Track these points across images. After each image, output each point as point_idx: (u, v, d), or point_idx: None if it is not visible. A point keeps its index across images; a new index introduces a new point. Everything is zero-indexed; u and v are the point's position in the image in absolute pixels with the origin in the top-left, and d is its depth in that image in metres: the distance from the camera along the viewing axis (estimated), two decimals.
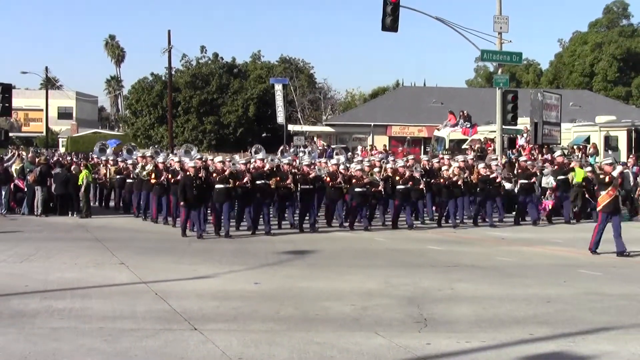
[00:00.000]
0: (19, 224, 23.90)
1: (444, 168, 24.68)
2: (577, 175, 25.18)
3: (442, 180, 24.13)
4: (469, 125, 38.70)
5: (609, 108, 53.50)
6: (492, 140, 32.62)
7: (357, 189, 22.55)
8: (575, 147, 33.03)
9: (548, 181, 25.78)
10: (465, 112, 40.24)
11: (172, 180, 22.89)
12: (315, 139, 55.46)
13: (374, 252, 18.39)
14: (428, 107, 58.66)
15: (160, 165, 24.18)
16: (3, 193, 26.52)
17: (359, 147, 46.23)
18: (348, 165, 25.11)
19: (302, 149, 38.84)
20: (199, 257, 17.05)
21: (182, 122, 66.51)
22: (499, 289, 13.71)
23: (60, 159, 35.26)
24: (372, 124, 57.63)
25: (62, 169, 26.88)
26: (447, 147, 38.60)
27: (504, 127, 29.85)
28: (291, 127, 58.08)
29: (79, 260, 16.33)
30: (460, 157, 26.72)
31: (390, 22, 27.08)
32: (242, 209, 22.68)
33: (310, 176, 22.81)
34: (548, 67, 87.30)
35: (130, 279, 14.21)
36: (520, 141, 33.29)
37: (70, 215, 25.86)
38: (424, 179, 23.85)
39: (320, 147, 43.67)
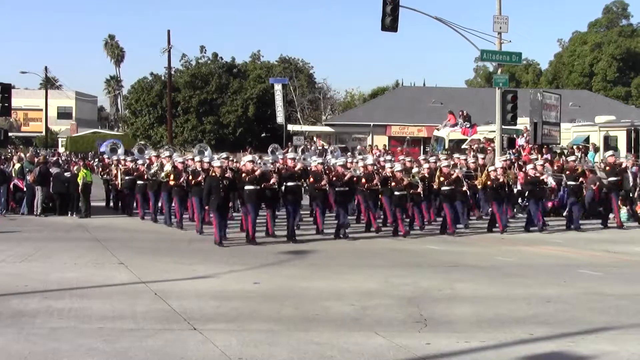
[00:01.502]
0: (18, 223, 23.88)
1: (490, 168, 22.96)
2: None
3: (489, 182, 22.41)
4: (468, 125, 38.70)
5: (609, 108, 53.46)
6: (492, 140, 32.60)
7: (396, 192, 21.19)
8: (575, 147, 33.01)
9: (550, 181, 25.25)
10: (464, 112, 40.24)
11: (193, 182, 21.57)
12: (314, 139, 55.43)
13: (375, 252, 18.39)
14: (427, 107, 58.62)
15: (180, 166, 23.13)
16: (1, 193, 26.45)
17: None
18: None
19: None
20: (198, 257, 17.05)
21: (181, 122, 66.53)
22: (498, 288, 13.71)
23: (63, 158, 34.60)
24: (372, 124, 57.58)
25: (61, 168, 26.84)
26: (446, 147, 38.59)
27: (503, 127, 29.81)
28: (291, 127, 58.09)
29: (78, 260, 16.33)
30: (502, 157, 26.46)
31: (390, 22, 27.06)
32: (273, 211, 21.36)
33: (346, 177, 20.96)
34: (547, 67, 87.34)
35: (129, 279, 14.20)
36: (520, 141, 33.28)
37: (69, 215, 25.83)
38: (467, 181, 22.34)
39: (319, 147, 43.64)
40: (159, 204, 24.81)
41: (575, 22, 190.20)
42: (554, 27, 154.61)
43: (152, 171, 24.24)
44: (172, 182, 22.59)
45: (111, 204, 29.19)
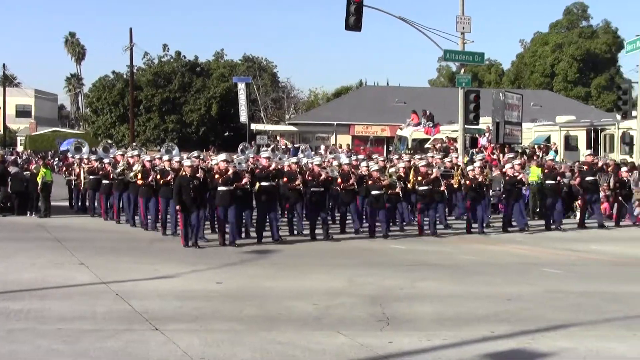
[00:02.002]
0: None
1: (468, 168, 22.81)
2: (532, 174, 25.09)
3: (467, 181, 22.12)
4: (431, 125, 38.87)
5: (569, 108, 54.04)
6: (455, 140, 32.78)
7: (373, 192, 20.61)
8: (536, 146, 33.31)
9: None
10: (428, 111, 40.42)
11: (162, 182, 20.85)
12: (278, 138, 55.38)
13: (338, 251, 18.40)
14: (391, 107, 58.83)
15: (148, 165, 22.19)
16: None
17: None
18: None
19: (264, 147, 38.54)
20: (160, 257, 16.91)
21: (143, 121, 66.13)
22: (461, 287, 13.78)
23: (23, 157, 33.69)
24: (335, 123, 57.64)
25: (20, 168, 26.48)
26: (409, 146, 38.73)
27: (466, 126, 29.99)
28: (254, 126, 58.00)
29: (37, 261, 16.10)
30: (479, 156, 26.20)
31: (354, 22, 27.08)
32: (242, 214, 20.25)
33: (322, 177, 20.46)
34: (510, 67, 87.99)
35: (90, 280, 14.04)
36: (482, 141, 33.50)
37: (28, 215, 25.48)
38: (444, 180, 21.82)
39: (283, 146, 43.58)
40: (123, 205, 23.91)
41: (536, 23, 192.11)
42: (516, 27, 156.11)
43: (119, 170, 23.46)
44: (140, 182, 21.86)
45: (77, 203, 28.14)
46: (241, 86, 59.36)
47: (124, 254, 17.57)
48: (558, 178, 23.29)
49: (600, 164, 24.72)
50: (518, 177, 22.54)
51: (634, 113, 30.23)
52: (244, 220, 20.59)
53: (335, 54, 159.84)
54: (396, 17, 29.38)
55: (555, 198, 23.08)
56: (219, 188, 18.75)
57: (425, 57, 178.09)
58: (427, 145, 36.36)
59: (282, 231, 20.64)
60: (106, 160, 25.27)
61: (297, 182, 20.19)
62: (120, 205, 24.05)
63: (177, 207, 18.64)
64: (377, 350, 9.32)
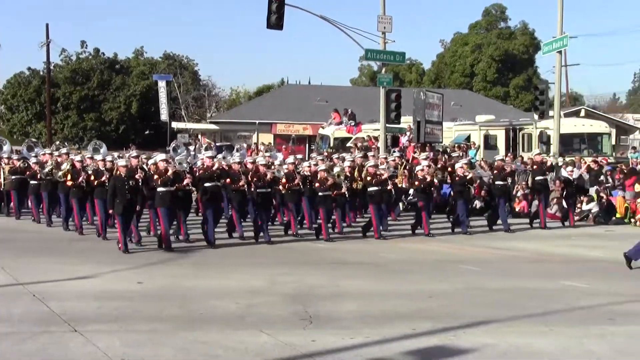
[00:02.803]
0: None
1: (417, 168, 22.12)
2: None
3: (417, 182, 21.56)
4: (353, 124, 39.08)
5: (489, 107, 55.01)
6: (376, 139, 33.02)
7: (320, 193, 20.10)
8: (456, 145, 33.77)
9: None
10: (349, 110, 40.62)
11: (96, 182, 19.75)
12: (199, 136, 54.95)
13: (260, 250, 18.32)
14: (313, 106, 58.90)
15: (78, 165, 21.09)
16: None
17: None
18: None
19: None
20: (80, 257, 16.58)
21: (61, 119, 65.04)
22: (383, 285, 13.88)
23: None
24: (257, 121, 57.43)
25: None
26: (331, 145, 38.86)
27: (387, 125, 30.26)
28: (175, 125, 57.47)
29: None
30: (422, 155, 25.96)
31: (275, 20, 27.04)
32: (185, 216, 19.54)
33: (267, 177, 19.62)
34: (430, 67, 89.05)
35: (6, 281, 13.66)
36: (403, 139, 33.81)
37: None
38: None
39: (204, 145, 43.24)
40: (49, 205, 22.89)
41: (456, 23, 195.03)
42: (436, 28, 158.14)
43: (47, 170, 22.35)
44: (69, 182, 20.70)
45: None
46: (162, 84, 58.79)
47: (42, 254, 17.18)
48: (509, 179, 23.09)
49: (549, 163, 24.45)
50: (468, 177, 22.15)
51: (550, 113, 30.89)
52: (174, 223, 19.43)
53: (257, 53, 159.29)
54: (318, 16, 29.46)
55: (504, 199, 22.80)
56: (158, 189, 17.87)
57: (346, 57, 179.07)
58: (348, 144, 36.52)
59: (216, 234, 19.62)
60: (33, 160, 24.25)
61: (241, 183, 19.43)
62: (46, 207, 22.98)
63: (110, 210, 17.72)
64: (300, 348, 9.30)
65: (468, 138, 35.30)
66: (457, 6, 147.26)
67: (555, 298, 12.70)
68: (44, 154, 24.73)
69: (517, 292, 13.29)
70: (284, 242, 19.71)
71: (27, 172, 23.82)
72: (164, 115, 57.75)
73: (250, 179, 19.56)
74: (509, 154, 29.58)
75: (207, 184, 18.83)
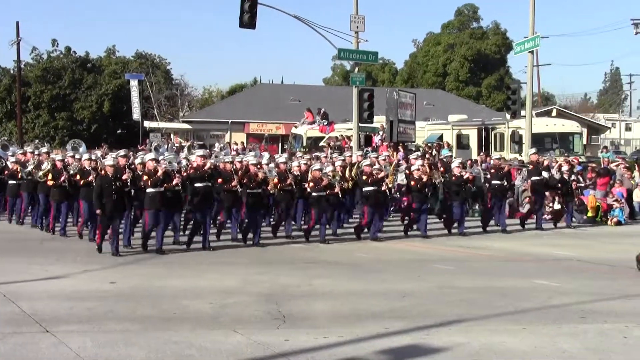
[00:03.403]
0: None
1: (413, 168, 21.67)
2: None
3: (412, 182, 21.14)
4: (326, 123, 39.11)
5: (461, 107, 55.30)
6: (349, 138, 33.07)
7: (314, 193, 19.55)
8: (428, 144, 33.90)
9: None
10: (322, 109, 40.65)
11: (82, 182, 18.89)
12: (172, 135, 54.77)
13: (233, 250, 18.26)
14: (286, 105, 58.91)
15: (59, 164, 20.17)
16: None
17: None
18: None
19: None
20: (51, 257, 16.42)
21: (32, 118, 64.53)
22: (357, 284, 13.88)
23: None
24: (230, 120, 57.36)
25: None
26: (304, 144, 38.87)
27: (360, 125, 30.34)
28: (147, 124, 57.17)
29: None
30: (413, 155, 25.40)
31: (248, 19, 27.00)
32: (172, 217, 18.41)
33: (259, 177, 18.85)
34: (403, 67, 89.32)
35: None
36: (376, 139, 33.89)
37: None
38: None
39: (177, 144, 43.11)
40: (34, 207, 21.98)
41: (429, 23, 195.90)
42: (409, 27, 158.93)
43: (28, 170, 21.62)
44: (50, 182, 19.92)
45: None
46: (134, 83, 58.50)
47: (13, 254, 17.01)
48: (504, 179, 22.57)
49: (546, 162, 24.06)
50: (465, 177, 21.64)
51: (522, 112, 31.10)
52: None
53: (230, 52, 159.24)
54: (291, 16, 29.46)
55: (501, 200, 22.47)
56: (148, 190, 17.09)
57: (319, 56, 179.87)
58: (321, 144, 36.57)
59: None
60: (12, 159, 23.56)
61: (233, 183, 18.64)
62: (25, 207, 22.38)
63: (98, 211, 16.79)
64: (273, 348, 9.28)
65: (441, 137, 35.45)
66: (429, 6, 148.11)
67: (527, 297, 12.77)
68: (23, 153, 24.20)
69: (489, 291, 13.35)
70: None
71: (6, 172, 23.12)
72: (136, 115, 57.47)
73: (240, 178, 18.84)
74: (481, 154, 29.77)
75: (197, 184, 18.03)
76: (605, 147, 43.60)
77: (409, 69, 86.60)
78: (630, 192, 26.00)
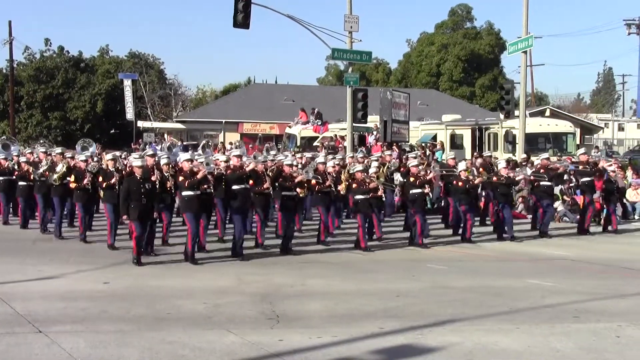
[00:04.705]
0: None
1: (460, 169, 20.30)
2: None
3: (460, 182, 19.86)
4: (320, 123, 39.10)
5: (455, 107, 55.32)
6: (343, 138, 33.07)
7: (358, 196, 18.25)
8: (422, 144, 33.89)
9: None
10: (316, 109, 40.65)
11: (105, 185, 17.76)
12: (165, 135, 54.71)
13: (226, 250, 18.21)
14: (280, 105, 58.91)
15: (82, 165, 18.80)
16: None
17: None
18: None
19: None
20: (44, 257, 16.37)
21: (25, 117, 64.51)
22: (350, 284, 13.89)
23: None
24: (224, 120, 57.32)
25: None
26: (298, 144, 38.85)
27: (354, 124, 30.30)
28: (141, 124, 57.17)
29: None
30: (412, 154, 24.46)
31: (242, 19, 26.93)
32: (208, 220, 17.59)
33: (297, 180, 17.62)
34: (397, 67, 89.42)
35: None
36: (370, 139, 33.88)
37: None
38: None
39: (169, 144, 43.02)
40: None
41: (422, 23, 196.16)
42: (402, 27, 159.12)
43: (41, 171, 20.29)
44: (73, 185, 18.47)
45: None
46: (127, 83, 58.50)
47: (6, 254, 16.93)
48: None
49: (600, 164, 22.52)
50: (517, 178, 20.68)
51: (516, 112, 31.11)
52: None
53: (224, 52, 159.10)
54: (284, 15, 29.41)
55: (549, 202, 21.38)
56: (184, 193, 16.02)
57: (313, 56, 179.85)
58: (315, 144, 36.57)
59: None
60: (22, 159, 22.19)
61: (265, 185, 17.28)
62: (40, 210, 20.64)
63: (124, 216, 15.83)
64: (267, 348, 9.28)
65: (434, 137, 35.43)
66: (423, 6, 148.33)
67: (520, 297, 12.80)
68: (31, 153, 23.41)
69: (483, 290, 13.37)
70: (249, 242, 19.48)
71: (16, 173, 21.78)
72: (129, 114, 57.45)
73: (272, 180, 17.47)
74: (474, 154, 29.72)
75: (235, 187, 16.69)
76: (597, 147, 43.66)
77: (402, 69, 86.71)
78: (623, 192, 25.97)
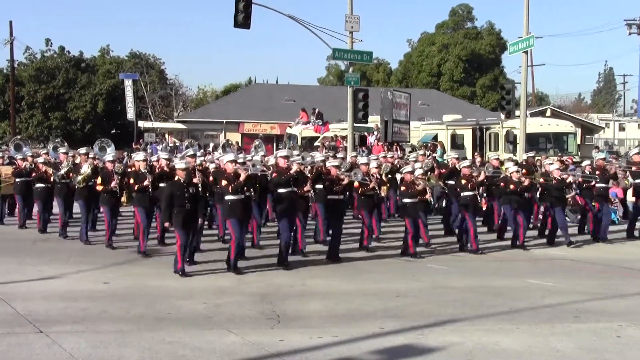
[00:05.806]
0: None
1: (511, 170, 19.36)
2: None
3: (512, 185, 18.80)
4: (320, 123, 39.06)
5: (455, 107, 55.30)
6: (344, 138, 33.05)
7: (406, 200, 17.33)
8: (423, 144, 33.88)
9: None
10: (317, 109, 40.61)
11: (136, 187, 17.01)
12: (166, 135, 54.68)
13: (225, 250, 18.17)
14: (280, 105, 58.86)
15: (109, 166, 17.90)
16: None
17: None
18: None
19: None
20: (45, 257, 16.37)
21: (26, 118, 64.45)
22: (350, 284, 13.89)
23: None
24: (225, 120, 57.29)
25: None
26: (299, 144, 38.82)
27: (355, 124, 30.27)
28: (142, 124, 57.09)
29: None
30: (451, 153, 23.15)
31: (243, 19, 26.91)
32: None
33: (344, 182, 16.77)
34: (398, 67, 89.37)
35: None
36: (371, 139, 33.87)
37: None
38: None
39: (171, 144, 43.04)
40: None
41: (423, 23, 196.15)
42: (403, 27, 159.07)
43: (62, 172, 19.46)
44: (100, 187, 17.62)
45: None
46: (128, 83, 58.41)
47: (6, 254, 16.92)
48: (610, 182, 20.67)
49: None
50: (568, 180, 19.46)
51: (517, 112, 31.10)
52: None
53: (224, 52, 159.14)
54: (285, 15, 29.38)
55: (605, 205, 20.29)
56: (227, 197, 14.80)
57: (314, 56, 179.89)
58: (316, 144, 36.54)
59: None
60: (40, 160, 21.25)
61: (306, 188, 16.29)
62: (62, 214, 19.73)
63: (166, 223, 14.99)
64: (267, 348, 9.28)
65: (435, 137, 35.43)
66: (424, 6, 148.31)
67: (521, 297, 12.81)
68: (45, 153, 22.64)
69: (483, 290, 13.38)
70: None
71: (33, 174, 20.85)
72: (130, 114, 57.39)
73: (312, 182, 16.51)
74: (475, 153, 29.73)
75: (281, 190, 15.92)
76: (597, 147, 43.60)
77: (403, 69, 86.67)
78: (625, 192, 25.94)
